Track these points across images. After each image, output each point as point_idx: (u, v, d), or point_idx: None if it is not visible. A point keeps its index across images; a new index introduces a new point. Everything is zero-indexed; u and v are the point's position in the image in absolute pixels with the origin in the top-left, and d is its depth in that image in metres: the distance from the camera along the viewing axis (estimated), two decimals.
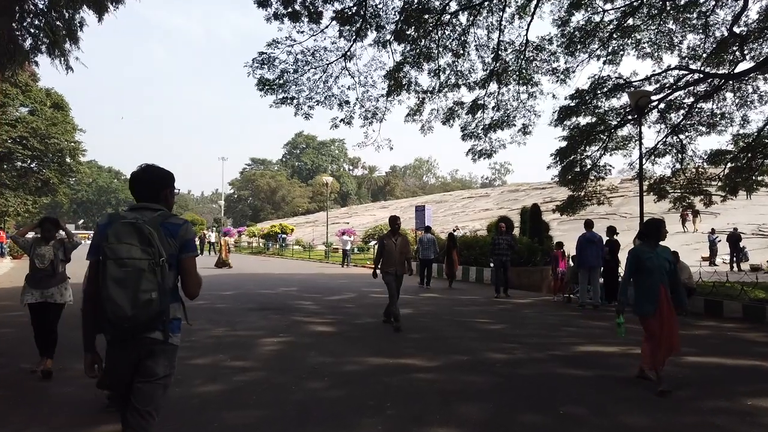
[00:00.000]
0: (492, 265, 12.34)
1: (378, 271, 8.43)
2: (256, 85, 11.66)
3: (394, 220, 8.41)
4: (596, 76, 18.05)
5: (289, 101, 12.28)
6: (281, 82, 11.85)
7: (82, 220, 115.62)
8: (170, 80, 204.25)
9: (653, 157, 19.59)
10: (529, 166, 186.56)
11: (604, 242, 10.82)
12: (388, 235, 8.39)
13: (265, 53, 11.52)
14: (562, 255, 12.01)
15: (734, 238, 21.55)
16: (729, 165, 17.96)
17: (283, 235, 36.47)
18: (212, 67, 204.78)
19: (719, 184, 18.56)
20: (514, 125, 17.88)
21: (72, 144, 34.87)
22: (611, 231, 11.29)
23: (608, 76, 18.37)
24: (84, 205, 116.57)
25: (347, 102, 13.08)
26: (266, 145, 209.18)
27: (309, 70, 12.10)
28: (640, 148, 12.86)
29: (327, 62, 12.29)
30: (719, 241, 22.98)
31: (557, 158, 18.95)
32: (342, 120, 13.19)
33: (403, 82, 14.82)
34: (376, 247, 10.68)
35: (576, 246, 10.53)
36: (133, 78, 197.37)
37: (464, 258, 17.71)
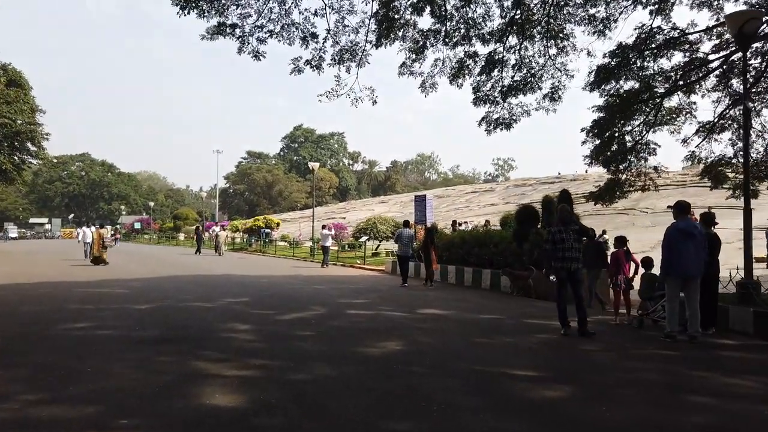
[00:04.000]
0: (553, 278, 7.22)
1: None
2: None
3: None
4: (644, 26, 14.19)
5: (228, 30, 8.45)
6: None
7: (72, 215, 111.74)
8: (167, 74, 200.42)
9: (710, 134, 15.80)
10: (533, 163, 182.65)
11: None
12: None
13: None
14: (625, 255, 8.17)
15: None
16: None
17: (267, 230, 32.56)
18: (211, 60, 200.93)
19: None
20: (540, 88, 14.04)
21: (30, 126, 31.02)
22: (708, 219, 7.41)
23: (659, 27, 14.47)
24: (76, 199, 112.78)
25: (315, 35, 9.19)
26: (264, 139, 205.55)
27: None
28: (745, 92, 8.97)
29: None
30: None
31: (593, 132, 15.16)
32: (308, 62, 9.33)
33: (399, 22, 10.97)
34: None
35: (664, 241, 6.65)
36: (129, 71, 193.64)
37: (476, 258, 13.88)
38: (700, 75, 15.32)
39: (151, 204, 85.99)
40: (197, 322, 7.50)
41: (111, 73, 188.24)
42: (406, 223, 15.37)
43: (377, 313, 8.70)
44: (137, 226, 62.76)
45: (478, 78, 13.43)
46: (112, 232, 50.10)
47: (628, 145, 15.31)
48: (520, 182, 71.20)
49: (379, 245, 25.25)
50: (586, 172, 68.90)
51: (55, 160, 48.32)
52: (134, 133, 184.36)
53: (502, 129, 13.61)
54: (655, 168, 15.11)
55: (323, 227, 20.95)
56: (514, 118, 13.62)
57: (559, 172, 74.37)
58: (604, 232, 21.73)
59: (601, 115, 15.20)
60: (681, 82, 15.29)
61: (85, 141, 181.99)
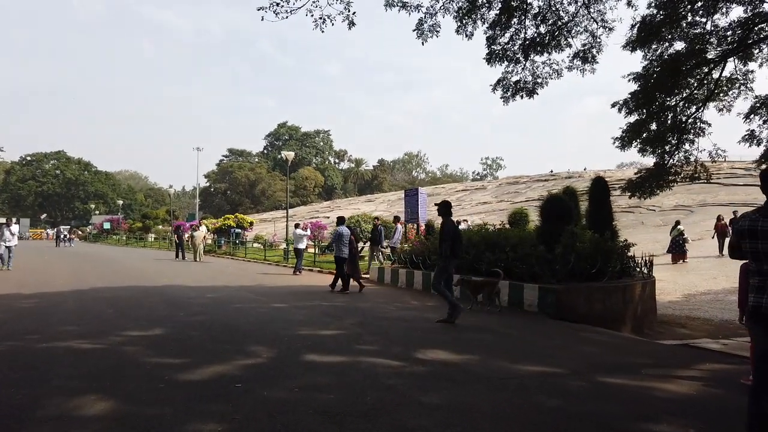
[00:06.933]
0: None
1: None
2: None
3: None
4: None
5: None
6: None
7: (45, 215, 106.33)
8: (154, 73, 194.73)
9: None
10: (521, 162, 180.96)
11: None
12: None
13: None
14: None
15: None
16: None
17: (238, 230, 28.99)
18: (198, 60, 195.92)
19: None
20: (570, 45, 10.85)
21: None
22: None
23: None
24: (50, 199, 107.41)
25: None
26: (250, 139, 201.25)
27: None
28: None
29: None
30: None
31: (627, 107, 12.08)
32: None
33: None
34: None
35: None
36: (112, 69, 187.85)
37: (487, 266, 10.60)
38: (763, 35, 12.30)
39: (120, 202, 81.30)
40: (20, 398, 4.09)
41: (97, 73, 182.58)
42: (341, 220, 12.81)
43: (354, 362, 5.37)
44: (107, 226, 58.59)
45: (492, 31, 10.22)
46: (65, 233, 46.17)
47: (678, 121, 12.27)
48: (512, 180, 68.32)
49: (363, 247, 21.89)
50: (584, 169, 66.30)
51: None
52: (119, 132, 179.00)
53: (522, 96, 10.38)
54: (713, 157, 12.07)
55: (296, 226, 17.51)
56: (539, 81, 10.40)
57: (552, 170, 71.87)
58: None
59: (640, 84, 12.16)
60: (738, 45, 12.25)
61: (74, 141, 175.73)
